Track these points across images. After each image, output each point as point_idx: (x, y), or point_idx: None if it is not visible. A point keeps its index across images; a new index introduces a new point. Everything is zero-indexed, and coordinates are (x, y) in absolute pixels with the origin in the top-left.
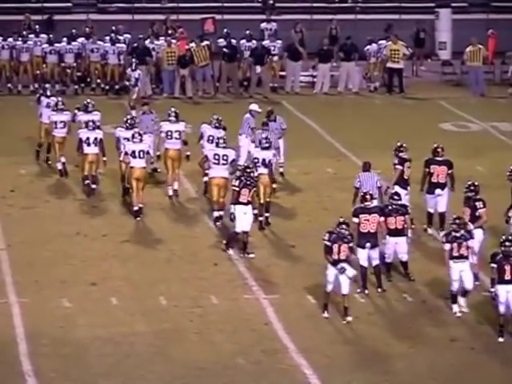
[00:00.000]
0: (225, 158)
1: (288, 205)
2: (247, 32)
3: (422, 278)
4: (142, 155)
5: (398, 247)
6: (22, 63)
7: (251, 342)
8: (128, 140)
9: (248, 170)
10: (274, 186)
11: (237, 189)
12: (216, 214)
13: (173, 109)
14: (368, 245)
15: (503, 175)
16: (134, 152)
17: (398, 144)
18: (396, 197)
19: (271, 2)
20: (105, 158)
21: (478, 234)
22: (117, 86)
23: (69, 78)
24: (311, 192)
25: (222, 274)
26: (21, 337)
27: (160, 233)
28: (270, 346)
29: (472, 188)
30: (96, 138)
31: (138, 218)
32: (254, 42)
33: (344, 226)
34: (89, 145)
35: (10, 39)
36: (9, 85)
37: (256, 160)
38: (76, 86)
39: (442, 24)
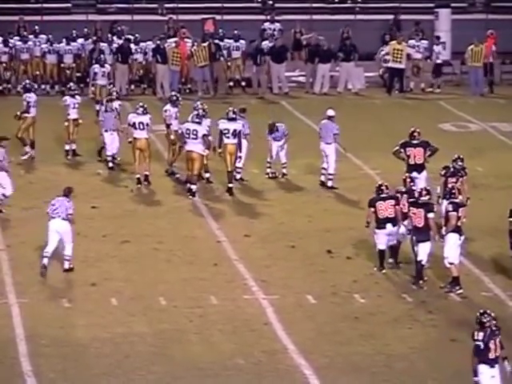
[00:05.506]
0: (194, 132)
1: (288, 205)
2: (235, 32)
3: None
4: (141, 127)
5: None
6: (22, 62)
7: (251, 342)
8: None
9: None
10: (240, 154)
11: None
12: (188, 185)
13: (199, 105)
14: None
15: (503, 175)
16: (134, 123)
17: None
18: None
19: (271, 2)
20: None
21: (452, 238)
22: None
23: (68, 78)
24: (312, 192)
25: (221, 274)
26: (20, 337)
27: (160, 233)
28: (269, 347)
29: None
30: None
31: (139, 186)
32: (241, 42)
33: (489, 312)
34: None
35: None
36: (8, 85)
37: (226, 131)
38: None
39: (441, 24)
